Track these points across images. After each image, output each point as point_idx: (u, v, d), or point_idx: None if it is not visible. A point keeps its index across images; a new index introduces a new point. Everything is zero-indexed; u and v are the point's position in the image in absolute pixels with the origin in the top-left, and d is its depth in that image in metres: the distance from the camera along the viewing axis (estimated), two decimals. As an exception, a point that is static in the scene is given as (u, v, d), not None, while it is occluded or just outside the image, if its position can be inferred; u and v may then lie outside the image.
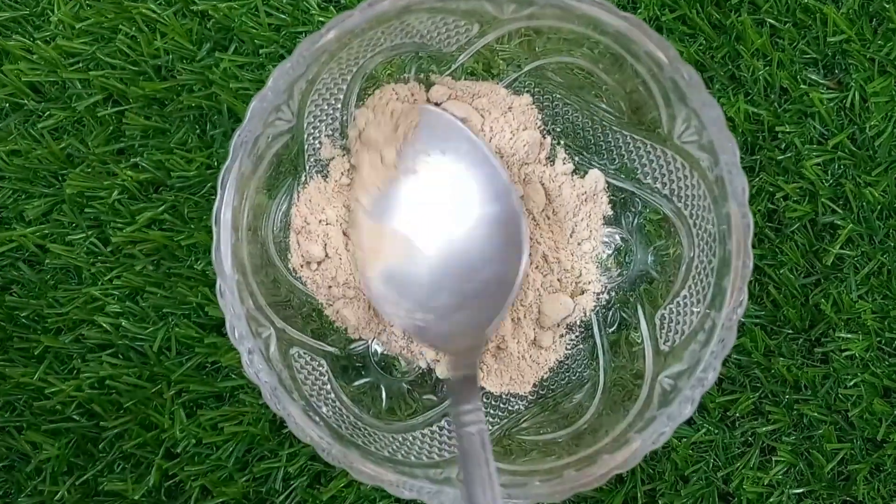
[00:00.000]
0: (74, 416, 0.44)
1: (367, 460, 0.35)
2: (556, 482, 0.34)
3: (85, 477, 0.44)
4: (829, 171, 0.44)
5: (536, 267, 0.41)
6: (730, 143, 0.34)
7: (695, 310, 0.37)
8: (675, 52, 0.33)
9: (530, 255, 0.40)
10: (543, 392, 0.42)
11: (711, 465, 0.44)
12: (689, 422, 0.44)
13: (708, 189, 0.35)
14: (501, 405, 0.41)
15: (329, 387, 0.38)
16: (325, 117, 0.39)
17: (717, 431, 0.44)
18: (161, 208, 0.44)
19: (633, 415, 0.36)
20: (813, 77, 0.44)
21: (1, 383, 0.44)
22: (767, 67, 0.44)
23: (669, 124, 0.36)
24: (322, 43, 0.34)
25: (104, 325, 0.44)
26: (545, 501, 0.34)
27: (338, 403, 0.38)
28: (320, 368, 0.39)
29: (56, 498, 0.44)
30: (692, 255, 0.38)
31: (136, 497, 0.43)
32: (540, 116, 0.41)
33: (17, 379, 0.44)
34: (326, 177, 0.41)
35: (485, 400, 0.41)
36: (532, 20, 0.36)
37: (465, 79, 0.40)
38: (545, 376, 0.41)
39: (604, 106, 0.40)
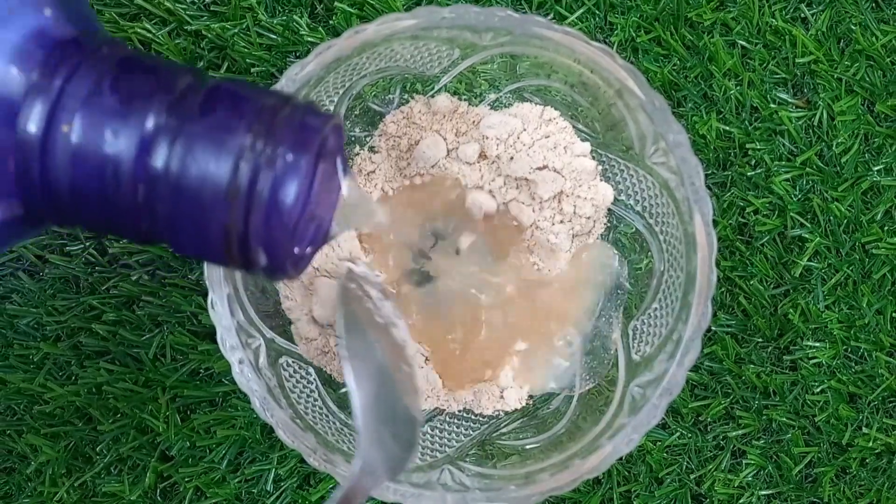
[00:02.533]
0: (73, 420, 0.45)
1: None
2: (531, 486, 0.36)
3: (83, 479, 0.45)
4: (798, 187, 0.46)
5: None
6: (696, 165, 0.36)
7: (664, 322, 0.38)
8: (643, 78, 0.35)
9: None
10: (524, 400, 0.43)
11: (684, 468, 0.46)
12: (663, 426, 0.46)
13: (676, 208, 0.37)
14: (484, 413, 0.43)
15: (317, 394, 0.40)
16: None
17: (690, 435, 0.46)
18: (156, 221, 0.45)
19: (604, 422, 0.38)
20: (782, 96, 0.46)
21: (2, 388, 0.45)
22: (739, 87, 0.46)
23: (640, 145, 0.38)
24: (309, 69, 0.35)
25: (101, 332, 0.45)
26: (520, 504, 0.36)
27: (325, 410, 0.40)
28: (308, 377, 0.40)
29: (55, 499, 0.45)
30: (662, 269, 0.40)
31: (133, 498, 0.45)
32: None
33: (17, 384, 0.45)
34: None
35: (469, 409, 0.43)
36: (509, 47, 0.37)
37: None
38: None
39: (580, 126, 0.41)
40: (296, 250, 0.26)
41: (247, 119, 0.24)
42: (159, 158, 0.24)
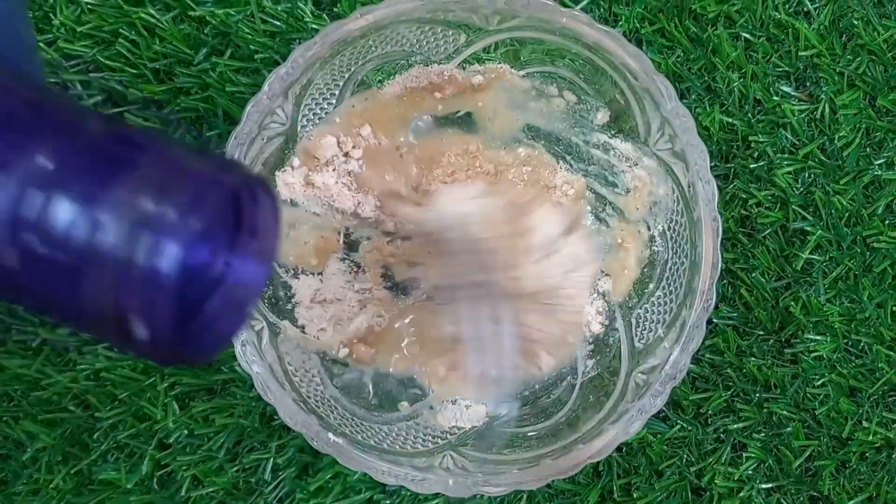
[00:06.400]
0: (70, 407, 0.45)
1: (354, 448, 0.36)
2: (534, 470, 0.36)
3: (80, 466, 0.45)
4: (800, 180, 0.46)
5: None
6: (701, 150, 0.36)
7: (668, 308, 0.38)
8: (650, 63, 0.35)
9: None
10: (526, 389, 0.43)
11: (685, 461, 0.46)
12: (664, 418, 0.46)
13: (681, 194, 0.37)
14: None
15: (319, 379, 0.40)
16: (318, 121, 0.41)
17: (690, 428, 0.46)
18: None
19: (607, 408, 0.38)
20: (785, 89, 0.46)
21: (-1, 374, 0.45)
22: (742, 79, 0.46)
23: (646, 132, 0.38)
24: (315, 50, 0.35)
25: (100, 318, 0.45)
26: (523, 488, 0.35)
27: (327, 395, 0.39)
28: (310, 362, 0.40)
29: (51, 486, 0.45)
30: (667, 256, 0.40)
31: (130, 486, 0.45)
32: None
33: (14, 370, 0.45)
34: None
35: (471, 398, 0.42)
36: (516, 31, 0.37)
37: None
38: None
39: (586, 114, 0.42)
40: (202, 334, 0.22)
41: (138, 170, 0.21)
42: (31, 211, 0.20)
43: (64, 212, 0.20)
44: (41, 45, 0.46)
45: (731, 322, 0.46)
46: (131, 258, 0.20)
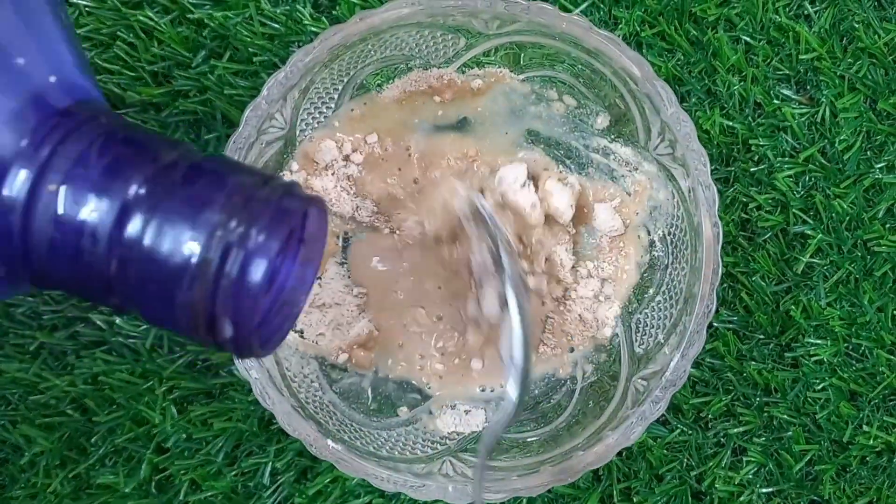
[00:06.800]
0: (68, 411, 0.45)
1: (353, 455, 0.36)
2: (533, 477, 0.36)
3: (77, 470, 0.45)
4: (801, 183, 0.46)
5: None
6: (701, 156, 0.35)
7: (668, 314, 0.38)
8: (650, 68, 0.35)
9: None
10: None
11: (685, 465, 0.46)
12: (664, 423, 0.45)
13: (681, 199, 0.37)
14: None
15: (317, 384, 0.40)
16: (316, 125, 0.41)
17: (690, 432, 0.45)
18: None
19: (607, 414, 0.38)
20: (785, 92, 0.46)
21: (-4, 378, 0.45)
22: (742, 83, 0.46)
23: (646, 137, 0.38)
24: (314, 55, 0.35)
25: (98, 322, 0.45)
26: (522, 495, 0.35)
27: (325, 400, 0.39)
28: (309, 367, 0.40)
29: (49, 490, 0.45)
30: (667, 262, 0.39)
31: (128, 490, 0.44)
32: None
33: (12, 374, 0.45)
34: (317, 182, 0.42)
35: (470, 402, 0.42)
36: (515, 36, 0.37)
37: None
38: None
39: (586, 118, 0.41)
40: (264, 330, 0.27)
41: (222, 197, 0.25)
42: (134, 231, 0.25)
43: (160, 232, 0.25)
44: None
45: (731, 326, 0.46)
46: (225, 272, 0.25)
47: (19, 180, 0.25)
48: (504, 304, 0.38)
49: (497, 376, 0.42)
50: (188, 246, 0.24)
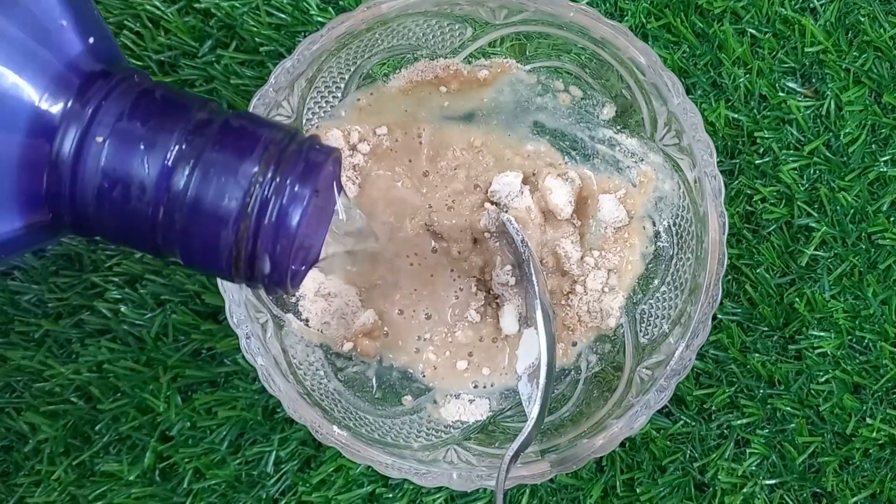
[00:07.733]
0: (72, 399, 0.45)
1: (358, 441, 0.36)
2: (537, 465, 0.36)
3: (81, 458, 0.45)
4: (805, 176, 0.46)
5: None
6: (708, 146, 0.36)
7: (673, 304, 0.38)
8: (657, 58, 0.35)
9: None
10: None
11: (688, 456, 0.46)
12: (668, 414, 0.46)
13: (687, 189, 0.37)
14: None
15: (322, 372, 0.40)
16: (323, 114, 0.41)
17: (694, 424, 0.46)
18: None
19: (611, 404, 0.38)
20: (791, 85, 0.46)
21: (1, 365, 0.45)
22: (748, 75, 0.46)
23: (652, 127, 0.38)
24: (321, 43, 0.35)
25: (103, 310, 0.45)
26: (526, 483, 0.35)
27: (331, 388, 0.39)
28: (314, 355, 0.40)
29: (53, 478, 0.45)
30: (672, 252, 0.40)
31: (131, 478, 0.45)
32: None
33: (17, 361, 0.45)
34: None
35: (474, 389, 0.42)
36: (522, 26, 0.37)
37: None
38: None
39: (592, 109, 0.41)
40: (293, 267, 0.29)
41: (258, 151, 0.28)
42: (180, 181, 0.27)
43: (204, 182, 0.27)
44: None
45: (735, 318, 0.46)
46: (266, 217, 0.27)
47: (68, 138, 0.27)
48: (523, 321, 0.39)
49: (487, 373, 0.42)
50: (232, 194, 0.27)
